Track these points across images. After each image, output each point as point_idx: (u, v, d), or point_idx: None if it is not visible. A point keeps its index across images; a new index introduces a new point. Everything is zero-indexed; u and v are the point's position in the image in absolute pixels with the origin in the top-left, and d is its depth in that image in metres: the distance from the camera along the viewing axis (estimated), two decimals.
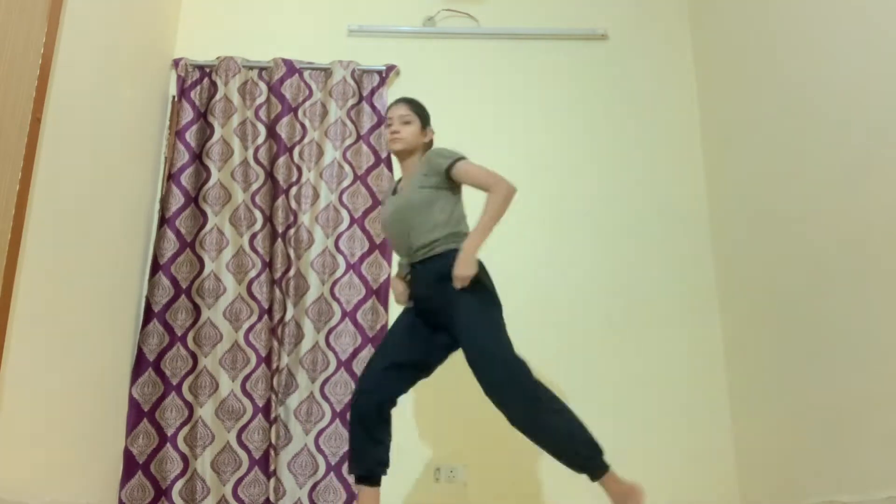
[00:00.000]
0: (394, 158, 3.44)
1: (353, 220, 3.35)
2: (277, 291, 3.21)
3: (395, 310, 3.26)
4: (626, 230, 3.43)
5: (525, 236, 3.41)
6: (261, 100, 3.46)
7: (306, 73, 3.53)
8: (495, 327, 2.30)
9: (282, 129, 3.42)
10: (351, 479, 3.04)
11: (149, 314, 3.18)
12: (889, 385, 2.17)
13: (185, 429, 3.09)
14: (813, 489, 2.56)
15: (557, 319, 3.31)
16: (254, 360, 3.15)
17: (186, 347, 3.18)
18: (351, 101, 3.49)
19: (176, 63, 3.50)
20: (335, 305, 3.25)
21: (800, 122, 2.69)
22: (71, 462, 2.62)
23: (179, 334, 3.19)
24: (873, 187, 2.25)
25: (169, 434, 3.07)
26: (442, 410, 3.16)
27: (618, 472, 2.28)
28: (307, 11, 3.71)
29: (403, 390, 2.41)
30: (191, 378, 3.15)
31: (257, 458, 3.05)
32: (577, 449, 2.23)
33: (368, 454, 2.32)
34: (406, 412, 3.16)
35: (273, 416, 3.06)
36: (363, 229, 3.34)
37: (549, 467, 3.06)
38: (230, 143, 3.39)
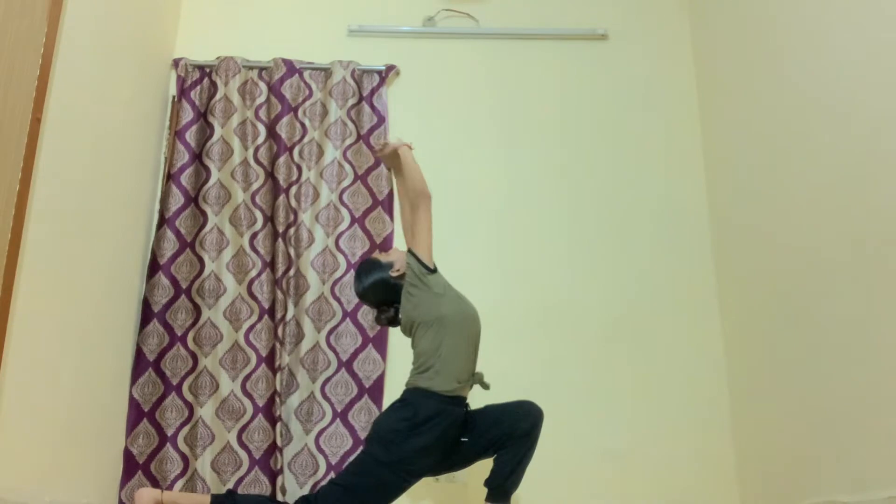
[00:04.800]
0: None
1: (353, 220, 3.35)
2: (278, 291, 3.21)
3: None
4: (626, 230, 3.43)
5: (524, 236, 3.41)
6: (261, 100, 3.46)
7: (306, 73, 3.53)
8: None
9: (282, 129, 3.42)
10: None
11: (149, 314, 3.18)
12: (889, 385, 2.17)
13: (186, 429, 3.09)
14: (813, 489, 2.56)
15: (557, 320, 3.30)
16: (254, 359, 3.15)
17: (186, 347, 3.18)
18: (351, 101, 3.48)
19: (176, 63, 3.50)
20: (336, 305, 3.24)
21: (800, 121, 2.69)
22: (71, 462, 2.62)
23: (179, 334, 3.19)
24: (874, 186, 2.25)
25: (169, 434, 3.07)
26: None
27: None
28: (307, 11, 3.70)
29: None
30: (191, 378, 3.15)
31: (258, 458, 3.05)
32: (520, 477, 2.43)
33: None
34: None
35: (277, 414, 3.06)
36: (363, 229, 3.34)
37: (549, 468, 3.06)
38: (230, 142, 3.39)
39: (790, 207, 2.74)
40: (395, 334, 3.21)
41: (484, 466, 3.12)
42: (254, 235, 3.30)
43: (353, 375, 3.16)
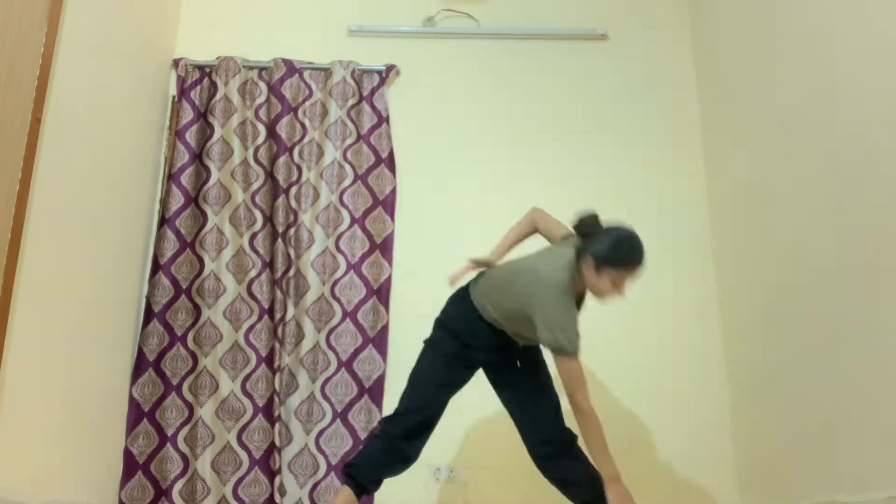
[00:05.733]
0: (399, 159, 3.44)
1: (353, 220, 3.35)
2: (278, 291, 3.21)
3: (396, 310, 3.25)
4: None
5: None
6: (261, 100, 3.46)
7: (306, 73, 3.53)
8: None
9: (282, 129, 3.42)
10: None
11: (149, 314, 3.18)
12: (889, 385, 2.17)
13: (186, 429, 3.09)
14: (813, 489, 2.56)
15: None
16: (254, 360, 3.15)
17: (186, 347, 3.18)
18: (351, 101, 3.48)
19: (176, 63, 3.50)
20: (336, 305, 3.24)
21: (800, 121, 2.69)
22: (71, 462, 2.62)
23: (179, 334, 3.19)
24: (874, 187, 2.25)
25: (169, 434, 3.07)
26: None
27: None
28: (307, 11, 3.70)
29: (437, 422, 2.48)
30: (191, 378, 3.15)
31: (258, 458, 3.05)
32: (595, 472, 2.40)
33: (392, 470, 2.41)
34: None
35: (276, 414, 3.06)
36: (364, 229, 3.34)
37: None
38: (230, 143, 3.39)
39: (790, 207, 2.74)
40: (396, 334, 3.22)
41: (484, 464, 3.12)
42: (254, 235, 3.30)
43: (353, 375, 3.16)
